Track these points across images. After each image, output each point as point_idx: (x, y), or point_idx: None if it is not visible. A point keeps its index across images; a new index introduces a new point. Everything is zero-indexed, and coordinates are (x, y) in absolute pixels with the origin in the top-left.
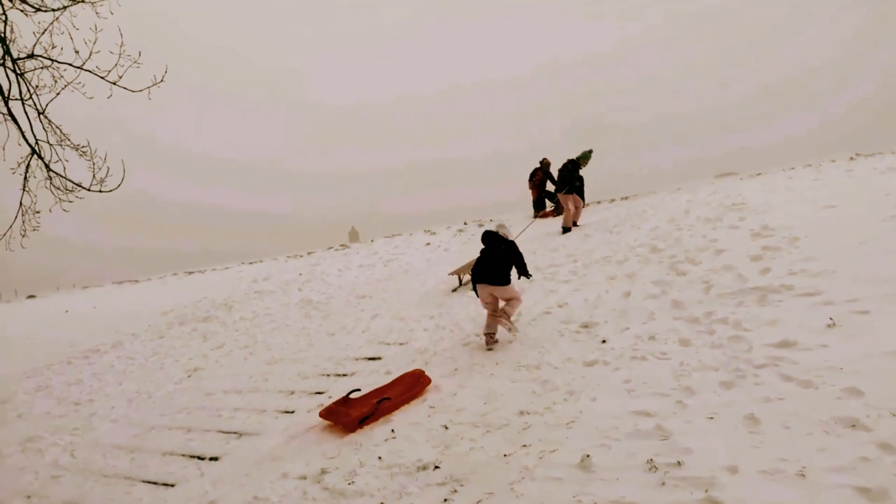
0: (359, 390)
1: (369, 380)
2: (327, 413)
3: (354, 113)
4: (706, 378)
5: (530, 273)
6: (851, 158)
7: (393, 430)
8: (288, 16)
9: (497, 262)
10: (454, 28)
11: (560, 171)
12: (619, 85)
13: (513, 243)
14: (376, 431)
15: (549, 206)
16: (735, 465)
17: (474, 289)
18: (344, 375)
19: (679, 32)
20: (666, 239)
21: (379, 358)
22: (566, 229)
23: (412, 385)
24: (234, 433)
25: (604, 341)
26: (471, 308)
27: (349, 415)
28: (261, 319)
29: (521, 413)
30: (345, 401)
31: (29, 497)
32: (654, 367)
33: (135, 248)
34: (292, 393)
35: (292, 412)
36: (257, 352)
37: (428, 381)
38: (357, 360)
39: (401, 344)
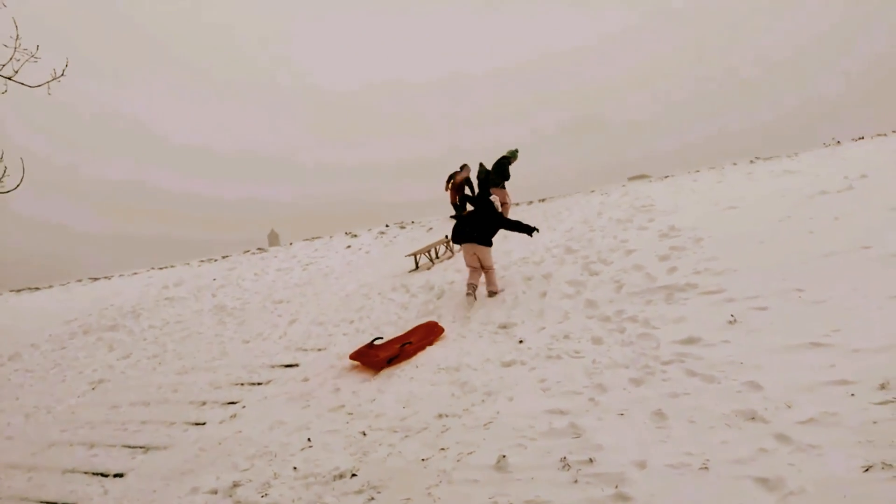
0: (381, 338)
1: (286, 388)
2: (357, 355)
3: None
4: (617, 375)
5: (534, 227)
6: (751, 161)
7: (309, 439)
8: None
9: (483, 224)
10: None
11: (494, 166)
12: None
13: (500, 213)
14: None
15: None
16: (644, 461)
17: (458, 243)
18: (259, 384)
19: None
20: (580, 240)
21: (296, 365)
22: None
23: (428, 333)
24: (141, 447)
25: (521, 341)
26: (391, 312)
27: (378, 356)
28: (171, 327)
29: (440, 416)
30: (370, 346)
31: None
32: (568, 366)
33: (128, 236)
34: (204, 404)
35: (203, 424)
36: (167, 361)
37: (441, 330)
38: (273, 367)
39: (319, 350)
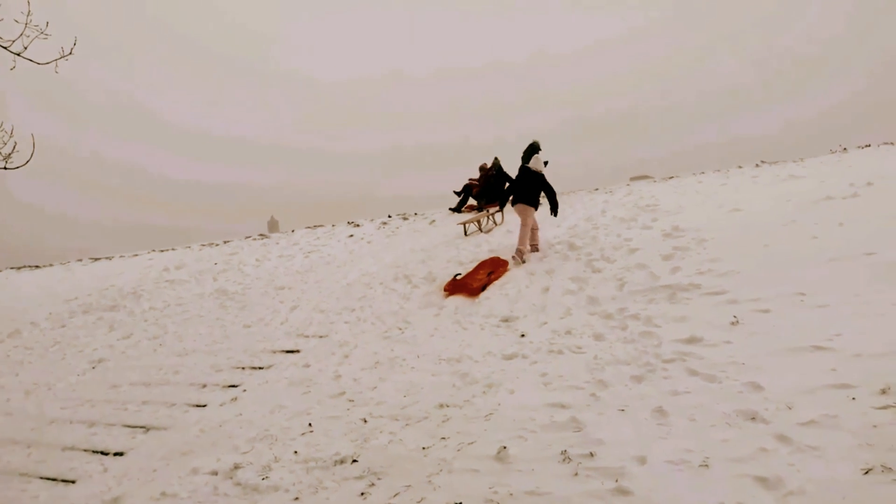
0: (460, 273)
1: (287, 373)
2: (453, 288)
3: (347, 89)
4: (618, 371)
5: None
6: (757, 165)
7: (311, 424)
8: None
9: (530, 189)
10: (452, 11)
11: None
12: (621, 75)
13: (543, 176)
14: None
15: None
16: (644, 456)
17: (513, 204)
18: (260, 368)
19: (682, 21)
20: (583, 237)
21: (297, 351)
22: None
23: (498, 265)
24: (141, 427)
25: (523, 335)
26: (393, 301)
27: (472, 285)
28: (172, 309)
29: (441, 406)
30: (455, 280)
31: None
32: (569, 361)
33: (124, 222)
34: (204, 386)
35: (204, 406)
36: (167, 343)
37: (506, 262)
38: (274, 352)
39: (320, 336)
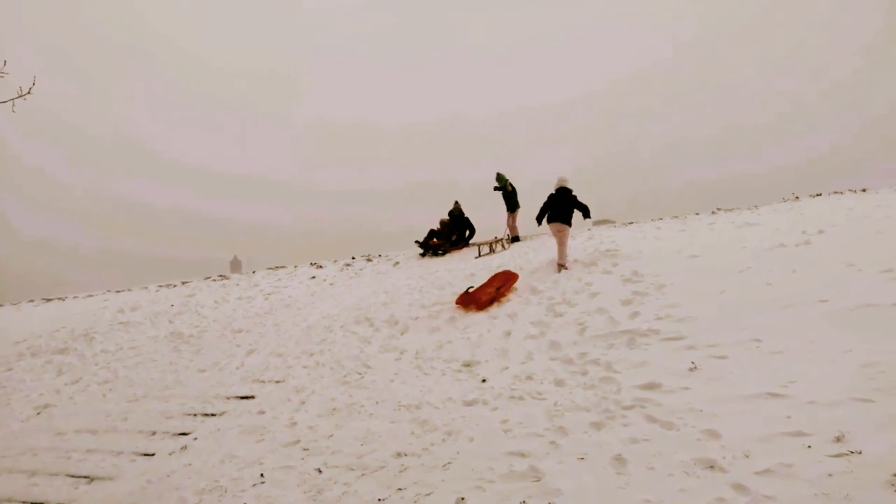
0: (472, 286)
1: (240, 420)
2: (463, 301)
3: (355, 131)
4: (578, 418)
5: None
6: (713, 212)
7: (262, 475)
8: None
9: (565, 207)
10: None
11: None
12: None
13: (575, 197)
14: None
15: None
16: None
17: (550, 222)
18: (212, 415)
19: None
20: (545, 280)
21: (252, 397)
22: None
23: (507, 279)
24: (85, 477)
25: (484, 380)
26: (353, 345)
27: (481, 299)
28: (124, 353)
29: (399, 455)
30: (467, 293)
31: None
32: (530, 407)
33: (123, 252)
34: (153, 434)
35: (152, 455)
36: (118, 388)
37: (516, 276)
38: (228, 398)
39: (277, 382)
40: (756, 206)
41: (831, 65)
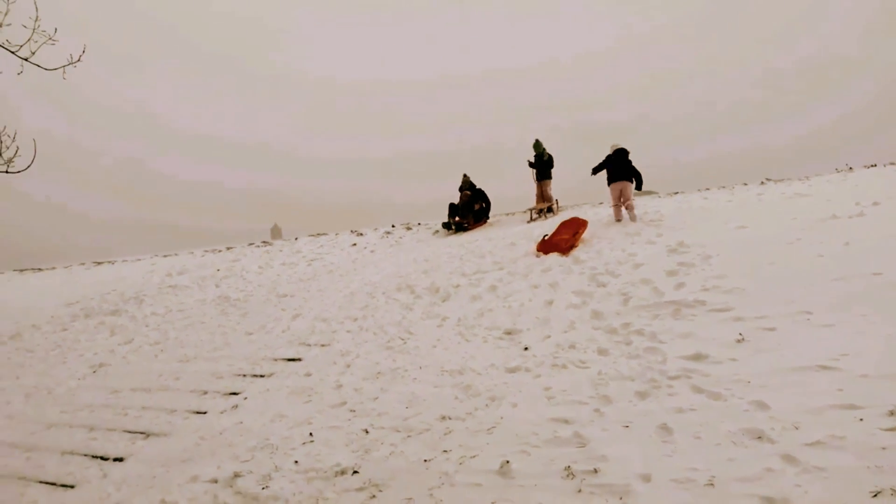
0: (546, 234)
1: (288, 381)
2: (544, 247)
3: (361, 93)
4: (622, 387)
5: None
6: (762, 183)
7: (311, 434)
8: None
9: (627, 167)
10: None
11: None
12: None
13: (631, 161)
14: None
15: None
16: (648, 474)
17: (613, 181)
18: (261, 376)
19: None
20: (588, 250)
21: (299, 359)
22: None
23: (579, 225)
24: (141, 433)
25: (526, 348)
26: (395, 312)
27: (565, 242)
28: (174, 315)
29: (443, 418)
30: (544, 240)
31: None
32: (573, 376)
33: (132, 219)
34: (205, 393)
35: (204, 413)
36: (169, 349)
37: (586, 223)
38: (276, 360)
39: (322, 345)
40: (807, 177)
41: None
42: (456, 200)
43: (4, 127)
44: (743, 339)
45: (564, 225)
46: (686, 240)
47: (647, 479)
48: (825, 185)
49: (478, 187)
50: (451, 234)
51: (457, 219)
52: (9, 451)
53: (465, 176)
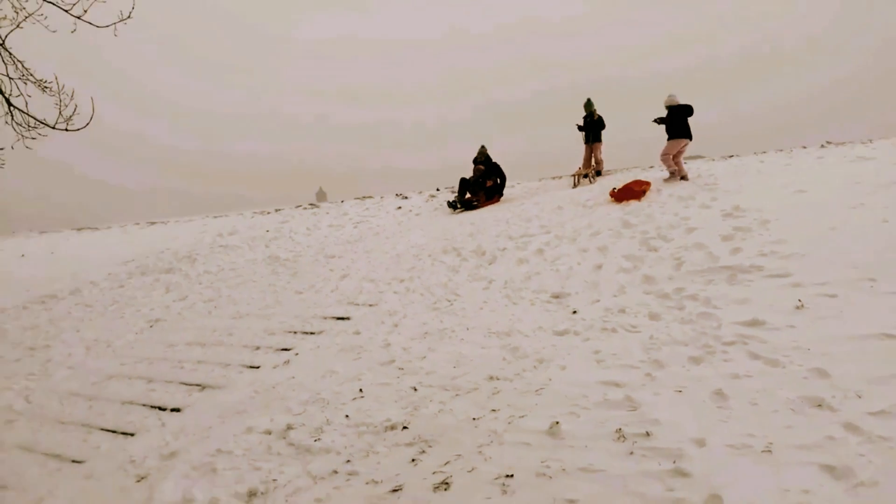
0: (616, 188)
1: (338, 339)
2: (619, 195)
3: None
4: (675, 352)
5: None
6: (822, 146)
7: (361, 390)
8: None
9: (684, 123)
10: None
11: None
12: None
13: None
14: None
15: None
16: (703, 438)
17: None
18: (312, 333)
19: None
20: (638, 215)
21: (348, 318)
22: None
23: (642, 183)
24: (197, 385)
25: (574, 312)
26: (441, 274)
27: (638, 190)
28: (226, 274)
29: (491, 378)
30: (615, 191)
31: None
32: (623, 340)
33: (161, 189)
34: (258, 348)
35: (258, 367)
36: (221, 306)
37: (649, 183)
38: (325, 318)
39: (370, 305)
40: (870, 140)
41: None
42: (468, 175)
43: (63, 86)
44: (802, 305)
45: (633, 183)
46: (742, 204)
47: (701, 443)
48: (890, 148)
49: (493, 160)
50: (458, 212)
51: (467, 195)
52: (72, 399)
53: (482, 147)
